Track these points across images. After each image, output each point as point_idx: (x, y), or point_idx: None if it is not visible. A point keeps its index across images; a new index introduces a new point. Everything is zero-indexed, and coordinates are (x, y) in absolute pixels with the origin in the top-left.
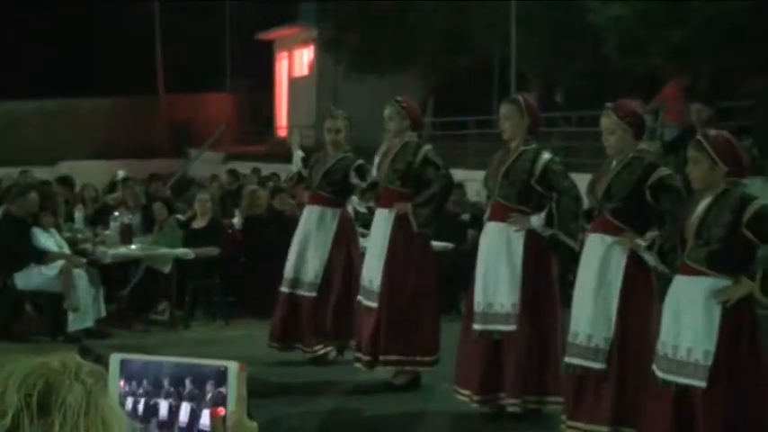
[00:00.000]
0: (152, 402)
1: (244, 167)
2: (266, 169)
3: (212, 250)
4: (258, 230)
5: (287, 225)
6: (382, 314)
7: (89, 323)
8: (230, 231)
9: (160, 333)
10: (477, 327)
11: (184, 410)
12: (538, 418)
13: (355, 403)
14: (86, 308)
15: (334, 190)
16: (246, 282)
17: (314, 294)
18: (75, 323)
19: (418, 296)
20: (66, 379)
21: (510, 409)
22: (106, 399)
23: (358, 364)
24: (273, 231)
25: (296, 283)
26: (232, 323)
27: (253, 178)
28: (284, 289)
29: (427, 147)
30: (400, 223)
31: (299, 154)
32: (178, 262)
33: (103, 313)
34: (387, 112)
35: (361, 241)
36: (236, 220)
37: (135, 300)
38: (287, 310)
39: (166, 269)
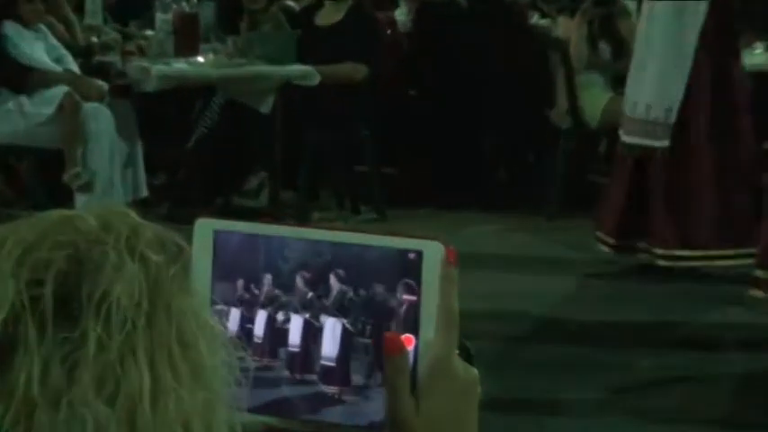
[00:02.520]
0: (277, 318)
1: None
2: None
3: (355, 70)
4: (440, 32)
5: (501, 21)
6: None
7: None
8: (389, 33)
9: None
10: None
11: (330, 335)
12: None
13: None
14: (108, 180)
15: None
16: (417, 136)
17: (666, 144)
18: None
19: (747, 138)
20: (112, 253)
21: None
22: (188, 296)
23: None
24: (469, 32)
25: (640, 128)
26: (392, 216)
27: None
28: (629, 139)
29: None
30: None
31: None
32: (287, 92)
33: (144, 192)
34: None
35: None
36: (400, 13)
37: (204, 167)
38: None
39: (265, 107)
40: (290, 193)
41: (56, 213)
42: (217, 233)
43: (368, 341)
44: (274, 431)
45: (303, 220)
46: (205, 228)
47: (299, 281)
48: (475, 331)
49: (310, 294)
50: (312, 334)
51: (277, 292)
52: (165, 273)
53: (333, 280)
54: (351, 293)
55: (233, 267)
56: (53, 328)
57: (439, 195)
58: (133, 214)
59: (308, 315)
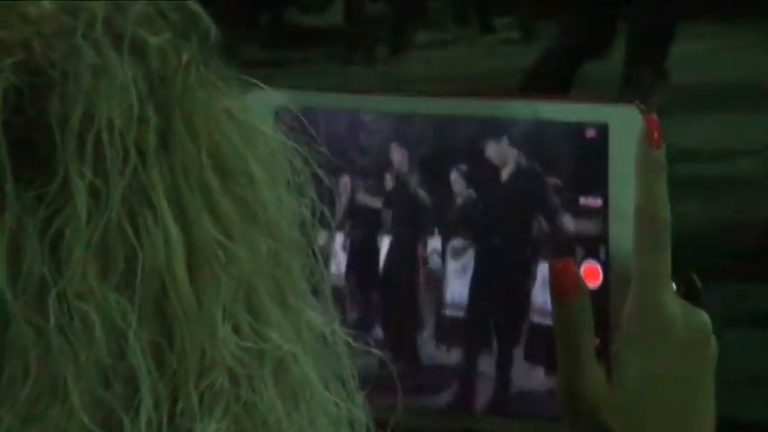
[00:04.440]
0: (363, 244)
1: None
2: None
3: None
4: None
5: None
6: None
7: None
8: None
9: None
10: None
11: (453, 268)
12: None
13: None
14: None
15: None
16: None
17: None
18: None
19: None
20: (86, 47)
21: None
22: (219, 93)
23: None
24: None
25: None
26: (544, 35)
27: None
28: None
29: None
30: None
31: None
32: None
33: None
34: None
35: None
36: None
37: None
38: None
39: None
40: (380, 3)
41: None
42: (278, 114)
43: (517, 275)
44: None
45: (400, 46)
46: (261, 105)
47: (389, 182)
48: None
49: (413, 203)
50: (419, 267)
51: (361, 200)
52: (174, 61)
53: (455, 181)
54: (482, 202)
55: None
56: (13, 185)
57: None
58: None
59: (408, 237)
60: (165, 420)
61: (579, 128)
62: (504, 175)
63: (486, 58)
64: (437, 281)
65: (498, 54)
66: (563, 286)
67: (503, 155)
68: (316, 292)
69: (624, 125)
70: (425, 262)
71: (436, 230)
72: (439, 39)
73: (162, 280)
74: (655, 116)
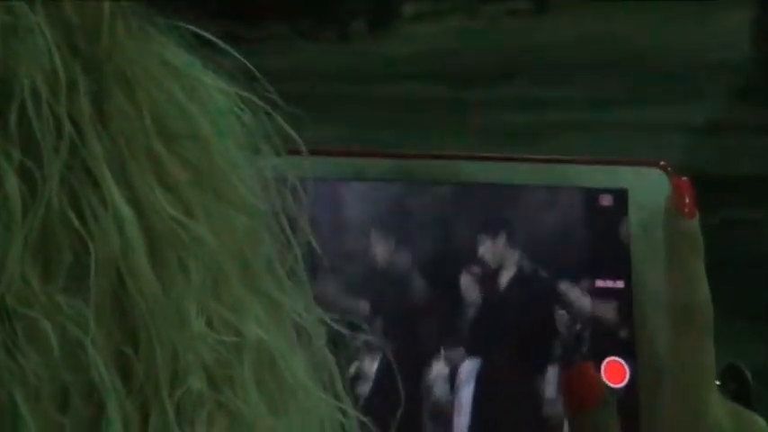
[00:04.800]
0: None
1: None
2: None
3: None
4: None
5: None
6: None
7: None
8: None
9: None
10: None
11: (461, 391)
12: None
13: None
14: None
15: None
16: None
17: None
18: None
19: None
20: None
21: None
22: (157, 47)
23: None
24: None
25: None
26: (558, 5)
27: None
28: None
29: None
30: None
31: None
32: None
33: None
34: None
35: None
36: None
37: None
38: None
39: None
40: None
41: None
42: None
43: (532, 386)
44: None
45: (382, 19)
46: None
47: (375, 285)
48: None
49: (410, 314)
50: (419, 394)
51: (338, 304)
52: (94, 10)
53: (465, 282)
54: (483, 294)
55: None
56: None
57: None
58: None
59: (407, 359)
60: None
61: (592, 195)
62: (504, 278)
63: (489, 33)
64: (445, 411)
65: (503, 28)
66: (586, 394)
67: (498, 252)
68: (290, 273)
69: (647, 190)
70: (430, 391)
71: (442, 350)
72: (430, 9)
73: (119, 272)
74: (685, 179)
